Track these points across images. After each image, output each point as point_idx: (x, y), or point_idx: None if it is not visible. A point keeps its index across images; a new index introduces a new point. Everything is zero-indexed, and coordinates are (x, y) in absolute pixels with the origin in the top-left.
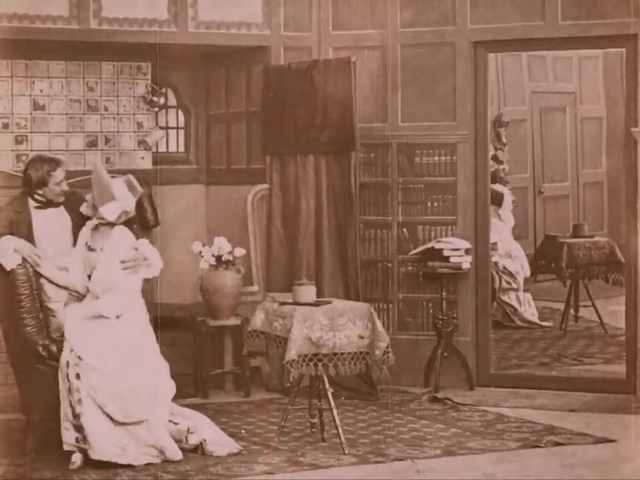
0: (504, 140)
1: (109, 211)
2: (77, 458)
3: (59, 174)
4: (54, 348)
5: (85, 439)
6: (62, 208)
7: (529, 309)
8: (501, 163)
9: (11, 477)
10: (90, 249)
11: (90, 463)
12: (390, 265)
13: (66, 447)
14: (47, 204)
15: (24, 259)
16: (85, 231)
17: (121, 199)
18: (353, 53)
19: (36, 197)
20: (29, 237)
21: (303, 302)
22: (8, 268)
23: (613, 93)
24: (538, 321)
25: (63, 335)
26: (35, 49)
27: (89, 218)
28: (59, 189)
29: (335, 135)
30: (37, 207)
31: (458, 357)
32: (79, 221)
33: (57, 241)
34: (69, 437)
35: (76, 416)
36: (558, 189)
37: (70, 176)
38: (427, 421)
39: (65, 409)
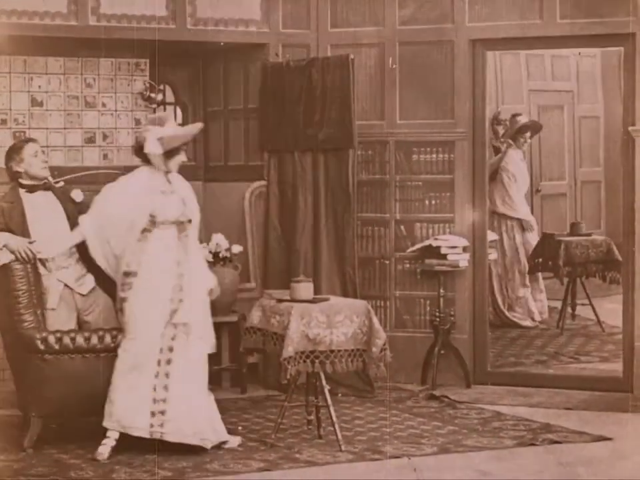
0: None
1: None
2: (106, 450)
3: (32, 146)
4: (52, 339)
5: (162, 425)
6: (52, 195)
7: (518, 310)
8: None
9: (7, 474)
10: (163, 192)
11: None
12: (387, 262)
13: (137, 433)
14: (34, 187)
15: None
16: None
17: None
18: (351, 51)
19: (22, 181)
20: (23, 225)
21: (300, 299)
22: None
23: (611, 91)
24: (520, 322)
25: (59, 331)
26: (33, 45)
27: (79, 207)
28: (37, 160)
29: (333, 132)
30: (26, 192)
31: (455, 354)
32: (71, 211)
33: (50, 226)
34: (142, 423)
35: (156, 402)
36: (555, 188)
37: (68, 172)
38: (423, 419)
39: (140, 399)
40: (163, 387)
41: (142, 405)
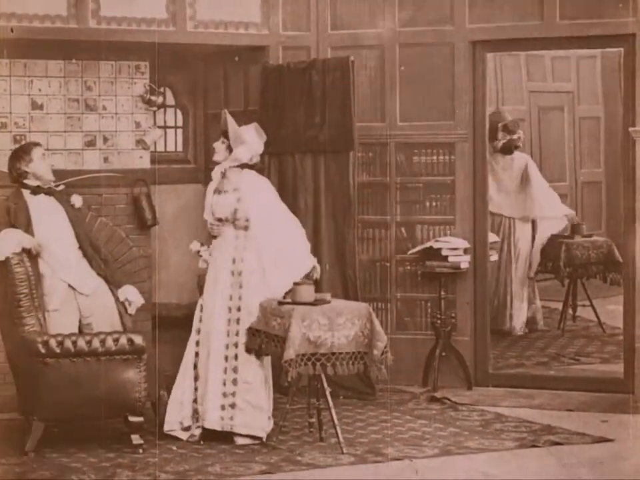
0: None
1: (242, 153)
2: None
3: (40, 149)
4: (53, 342)
5: (232, 418)
6: (54, 200)
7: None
8: (512, 132)
9: (9, 477)
10: (218, 192)
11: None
12: (388, 264)
13: (209, 425)
14: (38, 188)
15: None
16: (215, 178)
17: (251, 142)
18: (351, 53)
19: (27, 182)
20: (28, 225)
21: (302, 301)
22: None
23: (611, 92)
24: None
25: (60, 334)
26: (33, 48)
27: (79, 212)
28: (45, 163)
29: (333, 134)
30: (30, 193)
31: (456, 356)
32: (72, 215)
33: (55, 228)
34: (216, 417)
35: (226, 395)
36: (556, 189)
37: (68, 175)
38: (425, 421)
39: (215, 392)
40: (232, 380)
41: (213, 399)
